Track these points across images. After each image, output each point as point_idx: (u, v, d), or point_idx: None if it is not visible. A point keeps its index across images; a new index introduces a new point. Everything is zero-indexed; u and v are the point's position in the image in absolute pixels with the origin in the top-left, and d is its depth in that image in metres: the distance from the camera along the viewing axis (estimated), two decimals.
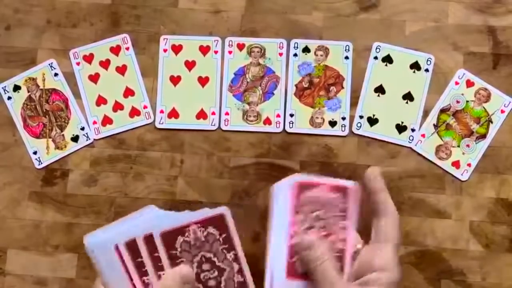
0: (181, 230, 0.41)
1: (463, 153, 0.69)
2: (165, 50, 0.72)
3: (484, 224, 0.68)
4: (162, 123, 0.70)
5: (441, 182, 0.68)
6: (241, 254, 0.42)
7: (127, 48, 0.72)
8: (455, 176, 0.68)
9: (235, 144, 0.70)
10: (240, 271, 0.42)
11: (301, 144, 0.70)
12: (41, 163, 0.70)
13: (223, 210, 0.42)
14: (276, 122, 0.70)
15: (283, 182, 0.42)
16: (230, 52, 0.72)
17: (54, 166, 0.70)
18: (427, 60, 0.70)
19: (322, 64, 0.71)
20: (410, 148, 0.69)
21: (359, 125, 0.70)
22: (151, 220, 0.41)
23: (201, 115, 0.70)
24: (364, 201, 0.45)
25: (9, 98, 0.71)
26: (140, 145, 0.70)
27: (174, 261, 0.40)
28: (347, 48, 0.71)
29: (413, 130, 0.69)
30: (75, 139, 0.71)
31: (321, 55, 0.71)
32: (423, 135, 0.69)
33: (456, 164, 0.69)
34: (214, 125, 0.70)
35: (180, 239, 0.40)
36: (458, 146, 0.69)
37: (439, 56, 0.71)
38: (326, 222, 0.42)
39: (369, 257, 0.43)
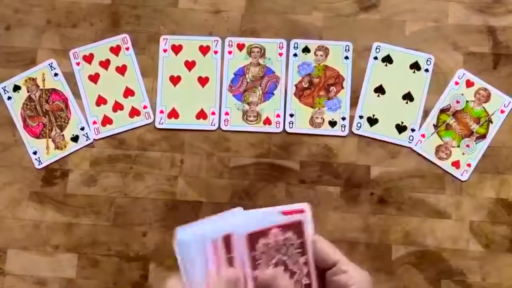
0: (264, 233, 0.41)
1: (463, 153, 0.69)
2: (165, 50, 0.72)
3: (484, 224, 0.68)
4: (162, 123, 0.70)
5: (441, 182, 0.68)
6: (311, 259, 0.43)
7: (127, 48, 0.72)
8: (455, 176, 0.68)
9: (235, 144, 0.70)
10: (308, 274, 0.43)
11: (301, 144, 0.70)
12: (41, 163, 0.70)
13: (301, 217, 0.43)
14: (276, 122, 0.70)
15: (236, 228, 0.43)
16: (230, 52, 0.72)
17: (54, 166, 0.70)
18: (427, 60, 0.70)
19: (322, 64, 0.71)
20: (410, 148, 0.69)
21: (359, 125, 0.70)
22: (238, 220, 0.42)
23: (201, 115, 0.70)
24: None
25: (9, 98, 0.71)
26: (140, 145, 0.70)
27: (254, 262, 0.41)
28: (347, 48, 0.71)
29: (413, 130, 0.69)
30: (75, 139, 0.71)
31: (321, 55, 0.71)
32: (423, 135, 0.69)
33: (456, 164, 0.69)
34: (214, 125, 0.70)
35: (261, 241, 0.41)
36: (458, 146, 0.69)
37: (439, 56, 0.71)
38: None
39: (332, 282, 0.43)
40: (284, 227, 0.42)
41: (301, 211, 0.43)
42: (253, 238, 0.41)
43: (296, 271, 0.42)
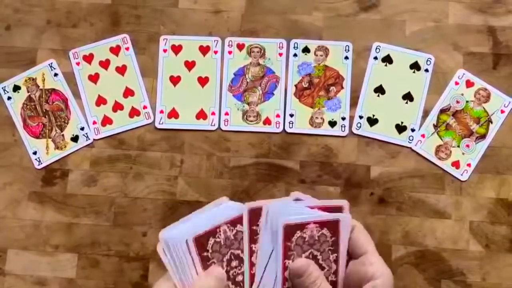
0: (301, 226, 0.41)
1: (463, 153, 0.69)
2: (165, 50, 0.72)
3: (484, 224, 0.68)
4: (162, 123, 0.70)
5: (441, 182, 0.68)
6: (341, 257, 0.43)
7: (127, 48, 0.72)
8: (455, 176, 0.68)
9: (235, 144, 0.70)
10: (336, 272, 0.43)
11: (301, 144, 0.70)
12: (41, 163, 0.70)
13: (339, 216, 0.43)
14: (276, 122, 0.70)
15: (276, 209, 0.42)
16: (230, 52, 0.72)
17: (54, 166, 0.70)
18: (427, 60, 0.70)
19: (322, 64, 0.71)
20: (410, 148, 0.69)
21: (359, 125, 0.70)
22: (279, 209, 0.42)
23: (201, 115, 0.70)
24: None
25: (9, 98, 0.71)
26: (140, 145, 0.70)
27: (287, 252, 0.41)
28: (347, 48, 0.71)
29: (413, 130, 0.69)
30: (75, 139, 0.71)
31: (321, 55, 0.71)
32: (423, 135, 0.69)
33: (456, 164, 0.69)
34: (214, 125, 0.70)
35: (298, 233, 0.41)
36: (458, 146, 0.69)
37: (439, 56, 0.71)
38: (317, 259, 0.42)
39: (357, 272, 0.43)
40: (321, 224, 0.42)
41: (340, 208, 0.43)
42: (291, 229, 0.41)
43: (325, 267, 0.42)
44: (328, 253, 0.42)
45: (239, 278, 0.42)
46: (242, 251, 0.42)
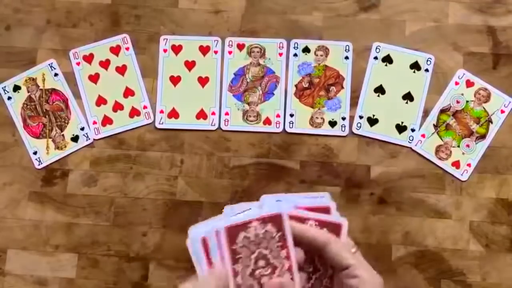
0: (243, 226, 0.42)
1: (463, 153, 0.69)
2: (165, 50, 0.72)
3: (484, 224, 0.68)
4: (162, 123, 0.70)
5: (441, 182, 0.68)
6: (291, 251, 0.43)
7: (127, 48, 0.72)
8: (455, 176, 0.68)
9: (235, 144, 0.70)
10: (290, 268, 0.43)
11: (301, 144, 0.70)
12: (41, 163, 0.70)
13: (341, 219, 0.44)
14: (276, 122, 0.70)
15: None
16: (230, 52, 0.72)
17: (54, 166, 0.70)
18: (427, 60, 0.70)
19: (322, 64, 0.71)
20: (410, 148, 0.69)
21: (359, 125, 0.70)
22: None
23: (201, 115, 0.70)
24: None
25: (9, 98, 0.71)
26: (140, 145, 0.70)
27: (234, 256, 0.41)
28: (347, 48, 0.71)
29: (413, 130, 0.69)
30: (75, 139, 0.71)
31: (321, 55, 0.71)
32: (423, 135, 0.69)
33: (456, 164, 0.69)
34: (214, 125, 0.70)
35: (242, 234, 0.41)
36: (458, 146, 0.69)
37: (439, 56, 0.71)
38: (267, 258, 0.42)
39: (344, 286, 0.43)
40: (264, 220, 0.42)
41: (326, 210, 0.44)
42: (233, 231, 0.41)
43: (278, 265, 0.42)
44: (277, 250, 0.42)
45: (264, 280, 0.42)
46: (271, 251, 0.42)
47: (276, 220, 0.42)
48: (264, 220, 0.42)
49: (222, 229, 0.40)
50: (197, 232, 0.41)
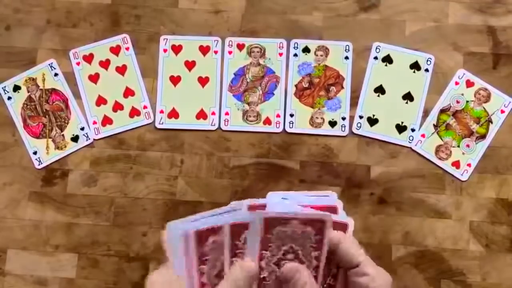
0: (283, 221, 0.41)
1: (463, 153, 0.69)
2: (165, 50, 0.72)
3: (484, 224, 0.68)
4: (162, 123, 0.70)
5: (441, 182, 0.68)
6: (323, 256, 0.43)
7: (127, 48, 0.72)
8: (455, 176, 0.68)
9: (235, 144, 0.70)
10: (316, 268, 0.43)
11: (301, 144, 0.70)
12: (41, 163, 0.70)
13: (326, 216, 0.43)
14: (276, 122, 0.70)
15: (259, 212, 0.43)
16: (230, 52, 0.72)
17: (54, 166, 0.70)
18: (427, 60, 0.70)
19: (322, 64, 0.71)
20: (410, 148, 0.69)
21: (359, 125, 0.70)
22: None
23: (201, 115, 0.70)
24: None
25: (9, 98, 0.71)
26: (140, 145, 0.70)
27: (265, 244, 0.41)
28: (347, 48, 0.71)
29: (413, 130, 0.69)
30: (75, 139, 0.71)
31: (321, 55, 0.71)
32: (423, 135, 0.69)
33: (456, 164, 0.69)
34: (214, 125, 0.70)
35: (278, 228, 0.41)
36: (458, 146, 0.69)
37: (439, 56, 0.71)
38: (297, 253, 0.42)
39: (353, 283, 0.43)
40: (306, 221, 0.42)
41: (333, 209, 0.44)
42: (271, 223, 0.41)
43: (305, 262, 0.42)
44: (309, 249, 0.42)
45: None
46: (303, 249, 0.42)
47: (316, 224, 0.42)
48: (304, 222, 0.42)
49: (260, 219, 0.40)
50: (182, 226, 0.41)
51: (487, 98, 0.70)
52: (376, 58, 0.71)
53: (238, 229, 0.42)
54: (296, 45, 0.71)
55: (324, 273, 0.44)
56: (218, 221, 0.42)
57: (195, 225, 0.40)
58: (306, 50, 0.71)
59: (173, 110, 0.71)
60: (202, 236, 0.41)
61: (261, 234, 0.41)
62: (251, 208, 0.43)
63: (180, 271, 0.40)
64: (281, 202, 0.44)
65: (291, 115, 0.70)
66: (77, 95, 0.71)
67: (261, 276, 0.41)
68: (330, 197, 0.46)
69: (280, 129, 0.70)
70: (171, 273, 0.40)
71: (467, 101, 0.70)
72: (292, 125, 0.70)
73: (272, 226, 0.41)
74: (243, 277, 0.40)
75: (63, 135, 0.71)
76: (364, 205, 0.68)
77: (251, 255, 0.41)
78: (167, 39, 0.72)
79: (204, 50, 0.72)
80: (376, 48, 0.71)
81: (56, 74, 0.72)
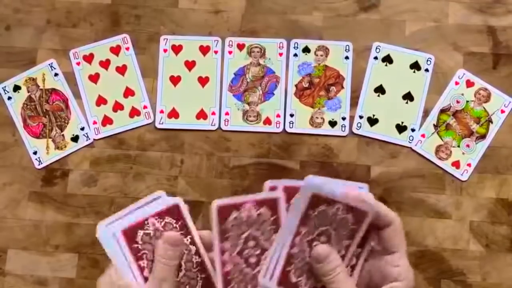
0: (236, 206, 0.41)
1: (463, 153, 0.69)
2: (165, 50, 0.72)
3: (484, 224, 0.68)
4: (162, 123, 0.70)
5: (441, 182, 0.68)
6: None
7: (127, 48, 0.72)
8: (455, 176, 0.68)
9: (235, 144, 0.70)
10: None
11: (301, 144, 0.70)
12: (41, 163, 0.70)
13: (277, 194, 0.43)
14: (276, 122, 0.70)
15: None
16: (230, 52, 0.72)
17: (54, 166, 0.70)
18: (427, 60, 0.70)
19: (322, 64, 0.71)
20: (410, 148, 0.69)
21: (359, 125, 0.70)
22: None
23: (201, 115, 0.70)
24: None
25: (9, 98, 0.71)
26: (140, 145, 0.70)
27: (223, 235, 0.41)
28: (347, 48, 0.71)
29: (413, 130, 0.69)
30: (75, 139, 0.71)
31: (321, 55, 0.71)
32: (423, 135, 0.69)
33: (456, 164, 0.69)
34: (214, 125, 0.70)
35: (233, 214, 0.41)
36: (458, 146, 0.69)
37: (439, 56, 0.71)
38: (258, 240, 0.42)
39: (381, 269, 0.42)
40: (258, 202, 0.42)
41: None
42: (224, 210, 0.41)
43: (268, 247, 0.42)
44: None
45: (252, 260, 0.42)
46: (262, 234, 0.42)
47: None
48: (258, 203, 0.42)
49: (214, 208, 0.40)
50: (109, 227, 0.41)
51: (487, 98, 0.70)
52: (376, 58, 0.71)
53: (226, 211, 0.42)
54: (296, 45, 0.71)
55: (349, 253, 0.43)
56: (144, 214, 0.42)
57: (122, 223, 0.41)
58: (306, 50, 0.71)
59: (173, 110, 0.71)
60: (131, 233, 0.41)
61: (304, 209, 0.40)
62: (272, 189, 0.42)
63: (122, 270, 0.41)
64: (330, 181, 0.42)
65: (291, 115, 0.70)
66: (77, 95, 0.71)
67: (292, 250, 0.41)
68: (364, 189, 0.46)
69: (280, 129, 0.70)
70: (117, 274, 0.40)
71: (467, 101, 0.70)
72: (292, 125, 0.70)
73: (317, 204, 0.40)
74: (167, 252, 0.40)
75: (63, 135, 0.71)
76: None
77: (288, 228, 0.40)
78: (167, 39, 0.72)
79: (204, 50, 0.72)
80: (376, 48, 0.71)
81: (56, 74, 0.72)
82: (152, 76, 0.71)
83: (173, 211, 0.43)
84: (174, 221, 0.43)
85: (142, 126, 0.71)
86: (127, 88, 0.71)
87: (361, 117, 0.70)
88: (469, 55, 0.71)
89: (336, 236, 0.41)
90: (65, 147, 0.70)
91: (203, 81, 0.71)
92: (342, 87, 0.71)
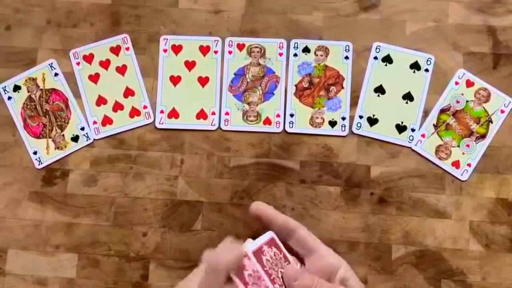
0: (261, 251, 0.45)
1: (463, 153, 0.69)
2: (165, 50, 0.72)
3: (484, 224, 0.68)
4: (162, 123, 0.70)
5: (441, 182, 0.68)
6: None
7: (127, 48, 0.72)
8: (455, 176, 0.68)
9: (235, 144, 0.70)
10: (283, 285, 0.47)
11: (301, 144, 0.70)
12: (41, 163, 0.70)
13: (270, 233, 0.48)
14: (276, 122, 0.70)
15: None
16: (230, 52, 0.72)
17: (54, 166, 0.70)
18: (427, 60, 0.70)
19: (322, 64, 0.71)
20: (410, 148, 0.69)
21: (359, 125, 0.70)
22: None
23: (201, 115, 0.71)
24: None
25: (9, 98, 0.71)
26: (140, 145, 0.70)
27: (270, 277, 0.45)
28: (347, 48, 0.71)
29: (413, 130, 0.69)
30: (75, 139, 0.71)
31: (321, 55, 0.71)
32: (423, 135, 0.69)
33: (456, 164, 0.69)
34: (214, 125, 0.70)
35: (263, 257, 0.45)
36: (458, 146, 0.69)
37: (439, 56, 0.71)
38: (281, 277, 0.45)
39: (320, 268, 0.44)
40: (269, 244, 0.44)
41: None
42: (258, 254, 0.43)
43: (282, 284, 0.44)
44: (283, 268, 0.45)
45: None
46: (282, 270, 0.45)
47: (273, 243, 0.44)
48: (269, 244, 0.45)
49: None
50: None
51: (487, 98, 0.70)
52: (376, 58, 0.71)
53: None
54: (296, 45, 0.71)
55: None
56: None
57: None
58: (306, 50, 0.71)
59: (173, 110, 0.71)
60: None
61: (261, 269, 0.43)
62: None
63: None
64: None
65: (291, 115, 0.70)
66: (77, 95, 0.71)
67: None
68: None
69: (280, 129, 0.70)
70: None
71: (467, 101, 0.70)
72: (292, 125, 0.70)
73: (260, 257, 0.44)
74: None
75: (63, 135, 0.71)
76: (364, 205, 0.68)
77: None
78: (167, 39, 0.72)
79: (204, 50, 0.72)
80: (376, 48, 0.71)
81: (56, 74, 0.72)
82: (152, 76, 0.71)
83: (273, 243, 0.47)
84: (279, 251, 0.47)
85: (142, 126, 0.71)
86: (127, 88, 0.71)
87: (361, 117, 0.70)
88: (469, 55, 0.71)
89: (281, 271, 0.45)
90: (65, 147, 0.70)
91: (203, 81, 0.71)
92: (342, 87, 0.71)
